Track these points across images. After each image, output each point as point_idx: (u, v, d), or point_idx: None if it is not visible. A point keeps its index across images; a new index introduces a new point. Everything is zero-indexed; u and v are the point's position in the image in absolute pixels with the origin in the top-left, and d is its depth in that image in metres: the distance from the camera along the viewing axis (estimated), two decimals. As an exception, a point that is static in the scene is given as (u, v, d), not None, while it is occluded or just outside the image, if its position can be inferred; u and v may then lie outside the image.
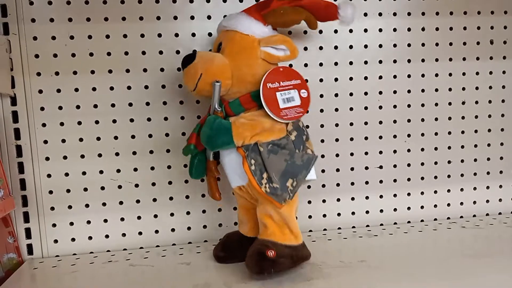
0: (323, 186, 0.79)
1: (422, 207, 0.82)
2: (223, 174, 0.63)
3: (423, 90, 0.80)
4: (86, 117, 0.72)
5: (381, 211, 0.81)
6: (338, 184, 0.79)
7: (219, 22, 0.64)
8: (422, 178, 0.81)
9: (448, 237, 0.73)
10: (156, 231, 0.75)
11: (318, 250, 0.67)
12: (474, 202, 0.83)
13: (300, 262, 0.60)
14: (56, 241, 0.73)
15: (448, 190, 0.82)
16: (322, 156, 0.78)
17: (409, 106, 0.80)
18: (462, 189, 0.83)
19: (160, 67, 0.73)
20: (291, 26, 0.65)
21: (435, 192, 0.82)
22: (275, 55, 0.60)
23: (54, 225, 0.73)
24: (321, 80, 0.77)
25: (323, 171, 0.78)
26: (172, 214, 0.76)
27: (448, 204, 0.83)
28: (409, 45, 0.78)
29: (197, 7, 0.73)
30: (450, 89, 0.81)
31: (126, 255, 0.71)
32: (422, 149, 0.81)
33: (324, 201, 0.79)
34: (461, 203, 0.83)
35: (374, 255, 0.65)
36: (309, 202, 0.79)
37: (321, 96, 0.77)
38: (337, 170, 0.79)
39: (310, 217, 0.79)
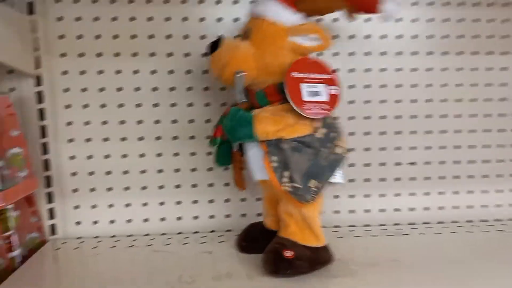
0: (352, 180, 0.76)
1: (456, 207, 0.78)
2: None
3: (460, 84, 0.75)
4: (110, 100, 0.71)
5: (412, 209, 0.77)
6: (367, 180, 0.76)
7: (246, 7, 0.61)
8: (457, 177, 0.77)
9: (483, 240, 0.69)
10: (179, 218, 0.74)
11: (345, 247, 0.64)
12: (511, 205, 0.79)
13: (320, 267, 0.57)
14: (78, 223, 0.73)
15: (485, 191, 0.78)
16: (351, 149, 0.74)
17: (444, 100, 0.75)
18: (500, 191, 0.78)
19: (185, 52, 0.71)
20: (325, 15, 0.61)
21: (471, 192, 0.78)
22: (304, 45, 0.56)
23: (76, 207, 0.73)
24: (352, 70, 0.73)
25: (352, 165, 0.75)
26: (195, 202, 0.74)
27: (485, 206, 0.78)
28: (445, 36, 0.73)
29: (225, -10, 0.70)
30: (489, 84, 0.75)
31: (147, 241, 0.70)
32: (458, 147, 0.76)
33: (352, 196, 0.76)
34: (498, 205, 0.78)
35: (404, 254, 0.62)
36: (336, 196, 0.76)
37: (351, 87, 0.73)
38: (367, 165, 0.75)
39: (337, 212, 0.77)
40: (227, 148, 0.60)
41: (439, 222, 0.77)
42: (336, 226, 0.76)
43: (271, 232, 0.61)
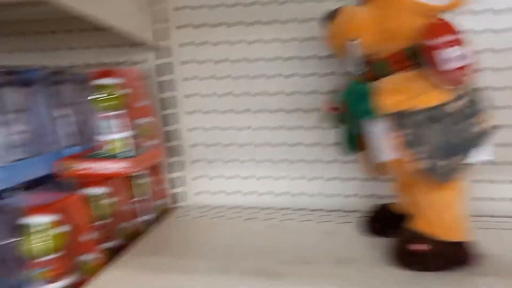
0: (495, 164, 0.65)
1: None
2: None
3: None
4: (227, 72, 0.70)
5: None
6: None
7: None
8: None
9: None
10: (302, 193, 0.72)
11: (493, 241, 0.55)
12: None
13: (456, 265, 0.49)
14: (198, 193, 0.74)
15: None
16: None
17: None
18: None
19: (306, 17, 0.66)
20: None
21: None
22: (431, 4, 0.48)
23: (196, 177, 0.74)
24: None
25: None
26: (320, 177, 0.71)
27: None
28: None
29: None
30: None
31: (266, 215, 0.69)
32: None
33: (495, 182, 0.66)
34: None
35: None
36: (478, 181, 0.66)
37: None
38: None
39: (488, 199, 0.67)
40: (349, 132, 0.53)
41: None
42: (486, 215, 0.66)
43: (402, 216, 0.55)
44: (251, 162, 0.72)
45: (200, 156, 0.73)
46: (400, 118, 0.47)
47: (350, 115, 0.50)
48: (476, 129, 0.49)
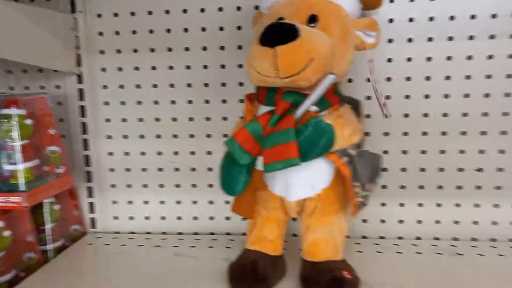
0: (384, 187, 0.67)
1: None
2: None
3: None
4: (146, 97, 0.70)
5: (457, 222, 0.67)
6: (403, 187, 0.67)
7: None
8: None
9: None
10: (211, 218, 0.73)
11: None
12: None
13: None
14: (116, 217, 0.75)
15: None
16: (385, 152, 0.66)
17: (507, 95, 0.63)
18: None
19: (220, 45, 0.67)
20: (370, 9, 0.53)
21: None
22: (366, 42, 0.49)
23: (114, 202, 0.74)
24: (409, 59, 0.64)
25: (403, 169, 0.67)
26: (227, 202, 0.72)
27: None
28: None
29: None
30: None
31: (176, 241, 0.70)
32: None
33: (383, 204, 0.68)
34: None
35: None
36: (383, 204, 0.69)
37: (408, 79, 0.64)
38: (403, 169, 0.66)
39: (383, 221, 0.69)
40: (250, 172, 0.48)
41: (492, 240, 0.67)
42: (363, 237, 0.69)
43: (278, 258, 0.55)
44: (165, 187, 0.72)
45: (118, 181, 0.73)
46: (342, 155, 0.47)
47: (305, 155, 0.44)
48: (376, 156, 0.53)
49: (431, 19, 0.63)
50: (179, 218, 0.73)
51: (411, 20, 0.63)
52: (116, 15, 0.69)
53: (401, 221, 0.69)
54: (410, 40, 0.64)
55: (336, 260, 0.51)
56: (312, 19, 0.46)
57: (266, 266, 0.51)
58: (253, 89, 0.53)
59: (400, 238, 0.69)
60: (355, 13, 0.49)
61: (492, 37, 0.62)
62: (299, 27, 0.43)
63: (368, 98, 0.65)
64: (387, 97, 0.65)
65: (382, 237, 0.69)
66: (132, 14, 0.68)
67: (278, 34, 0.42)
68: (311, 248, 0.51)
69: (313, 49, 0.43)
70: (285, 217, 0.54)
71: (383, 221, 0.69)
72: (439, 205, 0.67)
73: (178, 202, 0.73)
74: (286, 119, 0.44)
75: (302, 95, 0.46)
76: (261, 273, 0.50)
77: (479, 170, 0.65)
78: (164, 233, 0.73)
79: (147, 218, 0.74)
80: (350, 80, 0.65)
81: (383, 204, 0.68)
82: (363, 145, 0.52)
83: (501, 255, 0.61)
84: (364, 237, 0.70)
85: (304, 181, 0.48)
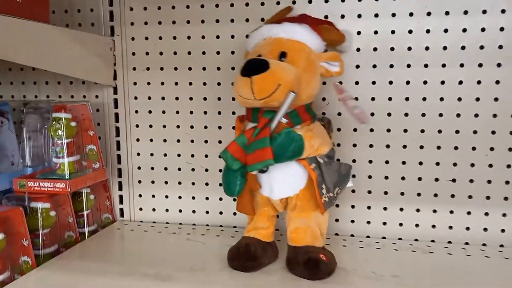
0: (369, 192, 0.77)
1: (468, 228, 0.74)
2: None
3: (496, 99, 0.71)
4: (169, 108, 0.83)
5: (417, 225, 0.76)
6: (369, 192, 0.77)
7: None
8: (470, 197, 0.74)
9: (503, 269, 0.65)
10: (221, 213, 0.84)
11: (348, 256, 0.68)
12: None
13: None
14: (141, 209, 0.88)
15: (504, 215, 0.73)
16: (354, 161, 0.76)
17: (476, 115, 0.72)
18: None
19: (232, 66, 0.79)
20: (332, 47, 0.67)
21: (486, 214, 0.74)
22: (330, 70, 0.62)
23: (140, 195, 0.87)
24: (373, 82, 0.75)
25: (369, 177, 0.77)
26: (234, 199, 0.83)
27: (485, 229, 0.74)
28: (483, 47, 0.70)
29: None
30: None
31: (190, 230, 0.82)
32: (472, 165, 0.73)
33: (353, 206, 0.78)
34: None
35: (407, 270, 0.64)
36: (353, 206, 0.79)
37: (373, 99, 0.75)
38: (369, 177, 0.77)
39: (353, 221, 0.79)
40: (244, 175, 0.59)
41: (449, 242, 0.76)
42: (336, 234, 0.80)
43: (269, 243, 0.65)
44: (183, 184, 0.85)
45: (143, 177, 0.86)
46: (311, 162, 0.59)
47: (277, 158, 0.55)
48: (346, 166, 0.64)
49: (392, 49, 0.73)
50: (193, 211, 0.85)
51: (375, 49, 0.73)
52: (146, 38, 0.82)
53: (384, 223, 0.78)
54: (374, 66, 0.74)
55: (315, 246, 0.61)
56: (283, 55, 0.59)
57: (257, 249, 0.63)
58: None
59: (383, 238, 0.78)
60: (318, 48, 0.62)
61: (461, 65, 0.71)
62: (270, 61, 0.55)
63: (339, 114, 0.75)
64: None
65: (368, 236, 0.79)
66: (160, 38, 0.82)
67: (254, 67, 0.55)
68: (293, 235, 0.62)
69: (280, 77, 0.55)
70: (274, 213, 0.66)
71: (368, 222, 0.79)
72: (418, 210, 0.76)
73: (193, 198, 0.85)
74: (264, 131, 0.57)
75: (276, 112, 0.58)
76: (252, 254, 0.62)
77: (453, 180, 0.74)
78: (180, 223, 0.86)
79: (166, 210, 0.87)
80: (324, 99, 0.76)
81: (369, 207, 0.78)
82: (333, 155, 0.63)
83: (468, 255, 0.70)
84: (352, 235, 0.79)
85: (285, 183, 0.61)
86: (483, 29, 0.70)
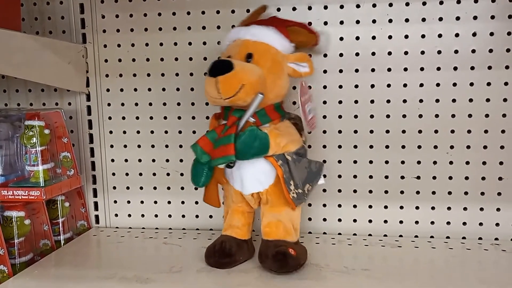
0: (339, 191, 0.81)
1: (432, 222, 0.79)
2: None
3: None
4: (142, 113, 0.84)
5: (385, 221, 0.81)
6: (339, 191, 0.81)
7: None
8: (434, 193, 0.78)
9: (465, 260, 0.69)
10: (197, 216, 0.86)
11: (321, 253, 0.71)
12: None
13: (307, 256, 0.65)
14: (116, 215, 0.88)
15: (481, 209, 0.78)
16: (324, 161, 0.78)
17: (437, 116, 0.77)
18: (498, 209, 0.77)
19: (204, 71, 0.81)
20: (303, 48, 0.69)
21: (449, 208, 0.78)
22: (299, 71, 0.65)
23: (115, 201, 0.88)
24: (340, 86, 0.78)
25: (339, 176, 0.80)
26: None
27: (448, 223, 0.79)
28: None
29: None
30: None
31: (166, 234, 0.83)
32: (435, 162, 0.78)
33: (324, 205, 0.82)
34: (497, 224, 0.78)
35: (376, 264, 0.67)
36: (324, 205, 0.82)
37: (340, 102, 0.78)
38: (339, 176, 0.80)
39: (325, 220, 0.82)
40: (212, 169, 0.63)
41: (431, 237, 0.79)
42: (324, 233, 0.83)
43: (244, 241, 0.68)
44: (158, 189, 0.86)
45: (118, 184, 0.87)
46: (278, 159, 0.62)
47: (240, 155, 0.59)
48: (317, 164, 0.67)
49: (357, 54, 0.77)
50: (169, 216, 0.87)
51: (341, 55, 0.77)
52: (119, 46, 0.83)
53: (355, 220, 0.82)
54: (340, 71, 0.77)
55: (286, 240, 0.63)
56: (249, 56, 0.62)
57: (232, 246, 0.65)
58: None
59: (354, 234, 0.82)
60: (285, 49, 0.64)
61: (422, 69, 0.76)
62: (234, 62, 0.58)
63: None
64: (324, 117, 0.79)
65: (339, 233, 0.82)
66: (132, 45, 0.83)
67: (219, 67, 0.58)
68: (266, 229, 0.65)
69: (244, 77, 0.58)
70: (249, 209, 0.68)
71: (340, 220, 0.82)
72: (386, 207, 0.80)
73: (169, 202, 0.86)
74: (231, 128, 0.60)
75: (245, 111, 0.61)
76: (227, 251, 0.65)
77: (418, 178, 0.79)
78: (156, 228, 0.87)
79: (142, 215, 0.87)
80: (294, 103, 0.79)
81: (339, 206, 0.82)
82: (304, 153, 0.66)
83: (433, 248, 0.74)
84: (324, 233, 0.83)
85: (254, 178, 0.63)
86: (440, 35, 0.75)
